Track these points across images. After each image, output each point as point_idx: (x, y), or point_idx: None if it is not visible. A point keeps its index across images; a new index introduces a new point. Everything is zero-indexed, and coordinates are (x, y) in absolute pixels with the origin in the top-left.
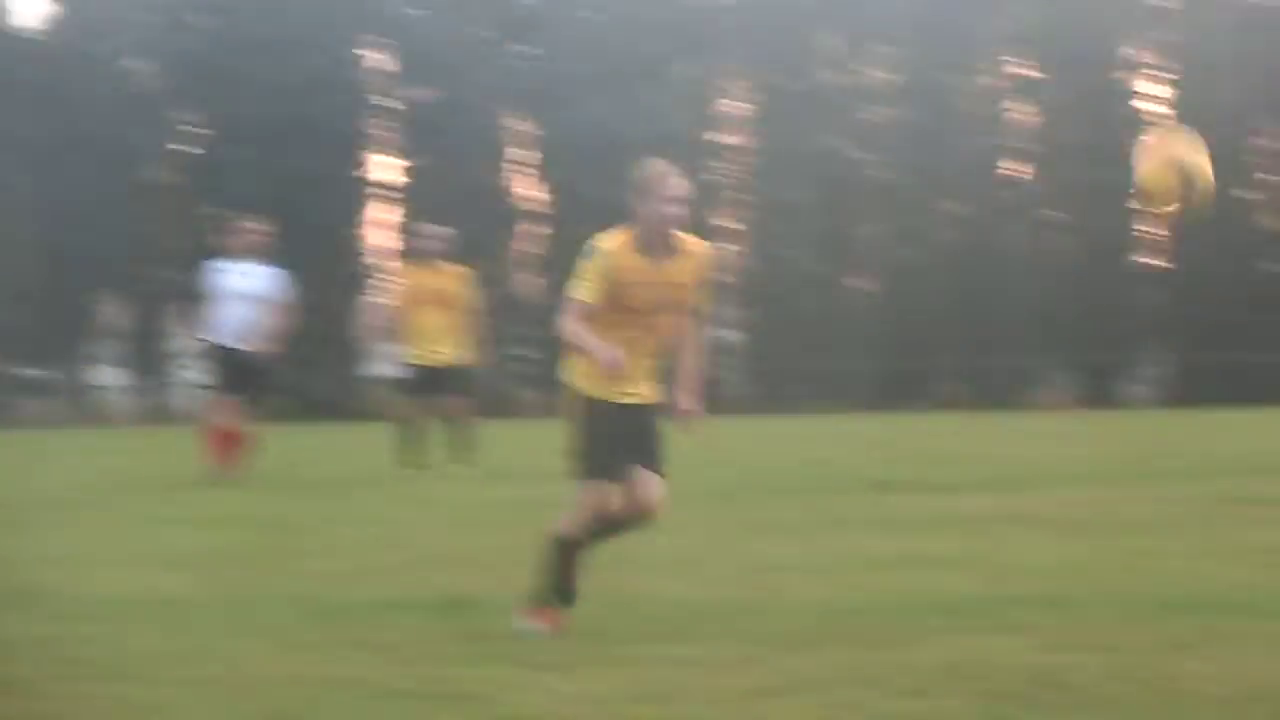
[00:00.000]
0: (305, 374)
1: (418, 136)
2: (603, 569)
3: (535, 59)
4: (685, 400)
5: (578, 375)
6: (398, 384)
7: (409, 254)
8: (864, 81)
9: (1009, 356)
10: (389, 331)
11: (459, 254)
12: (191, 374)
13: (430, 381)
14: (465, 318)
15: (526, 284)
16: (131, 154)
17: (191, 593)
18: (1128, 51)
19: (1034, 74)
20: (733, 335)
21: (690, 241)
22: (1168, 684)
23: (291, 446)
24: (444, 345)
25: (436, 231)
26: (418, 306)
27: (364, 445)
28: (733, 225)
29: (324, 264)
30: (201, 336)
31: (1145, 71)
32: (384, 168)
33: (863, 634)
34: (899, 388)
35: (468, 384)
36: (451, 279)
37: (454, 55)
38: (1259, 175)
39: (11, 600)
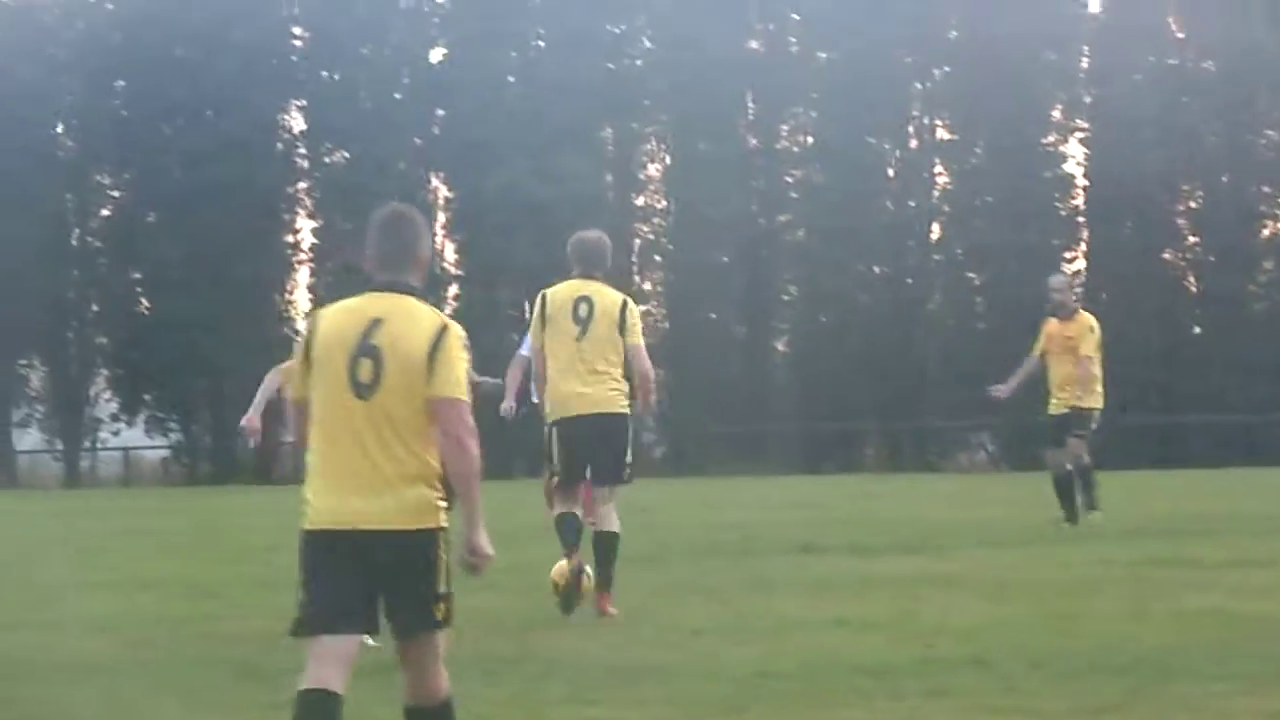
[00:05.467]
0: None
1: (336, 198)
2: (533, 630)
3: (455, 121)
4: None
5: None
6: None
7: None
8: (783, 144)
9: (928, 418)
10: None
11: None
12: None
13: None
14: None
15: None
16: (55, 218)
17: (117, 656)
18: (1049, 113)
19: (951, 136)
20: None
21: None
22: None
23: (223, 509)
24: None
25: None
26: None
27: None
28: (653, 287)
29: (250, 325)
30: None
31: (1067, 133)
32: (305, 230)
33: (790, 697)
34: (819, 450)
35: None
36: None
37: (371, 119)
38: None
39: None
